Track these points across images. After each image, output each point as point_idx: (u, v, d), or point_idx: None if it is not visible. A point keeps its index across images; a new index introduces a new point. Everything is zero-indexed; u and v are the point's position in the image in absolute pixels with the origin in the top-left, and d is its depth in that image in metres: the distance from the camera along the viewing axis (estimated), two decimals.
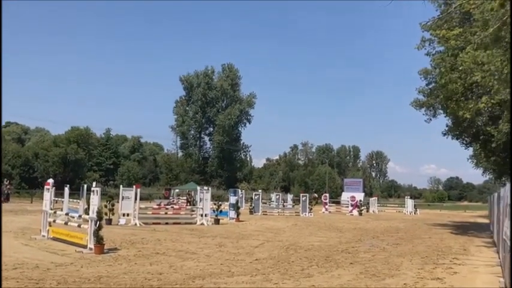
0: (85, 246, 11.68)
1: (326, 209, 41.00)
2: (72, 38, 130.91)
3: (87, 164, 64.92)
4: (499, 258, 10.73)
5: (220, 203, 24.21)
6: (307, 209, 33.91)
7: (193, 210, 23.43)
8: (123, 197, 20.82)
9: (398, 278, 9.38)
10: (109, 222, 19.10)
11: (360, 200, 42.03)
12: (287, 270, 9.85)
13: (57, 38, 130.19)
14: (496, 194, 15.77)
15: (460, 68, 17.00)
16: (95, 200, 12.32)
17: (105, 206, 19.31)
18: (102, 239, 11.57)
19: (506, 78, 13.21)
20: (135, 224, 19.69)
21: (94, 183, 13.56)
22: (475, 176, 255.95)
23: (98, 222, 11.64)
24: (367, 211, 42.92)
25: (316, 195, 54.07)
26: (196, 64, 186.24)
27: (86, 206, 19.27)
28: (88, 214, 12.29)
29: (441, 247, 15.44)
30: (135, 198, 20.56)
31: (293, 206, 39.20)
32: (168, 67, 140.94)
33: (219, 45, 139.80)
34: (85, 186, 23.24)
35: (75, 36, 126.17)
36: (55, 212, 14.70)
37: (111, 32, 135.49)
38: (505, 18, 10.96)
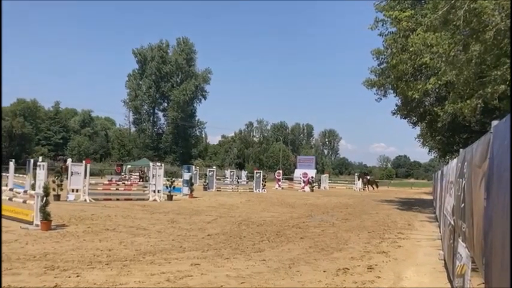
0: (31, 223, 11.31)
1: (279, 185, 41.67)
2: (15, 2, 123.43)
3: (34, 138, 62.60)
4: (440, 232, 11.30)
5: (173, 179, 24.01)
6: (261, 185, 34.34)
7: (145, 186, 23.16)
8: (72, 172, 20.20)
9: (346, 251, 9.71)
10: (57, 198, 18.60)
11: (312, 177, 42.94)
12: (239, 245, 9.96)
13: None
14: (439, 172, 16.44)
15: (411, 49, 17.37)
16: (41, 175, 11.92)
17: (53, 182, 18.76)
18: (49, 214, 11.25)
19: (453, 60, 13.68)
20: (85, 200, 19.25)
21: (40, 158, 13.11)
22: (421, 154, 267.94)
23: (45, 198, 11.30)
24: (319, 187, 43.96)
25: (368, 177, 49.96)
26: (150, 37, 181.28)
27: (32, 182, 18.66)
28: (34, 189, 11.88)
29: (387, 222, 16.08)
30: (85, 174, 20.04)
31: (247, 182, 39.53)
32: (121, 39, 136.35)
33: (174, 19, 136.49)
34: (31, 161, 22.43)
35: None
36: None
37: None
38: (453, 1, 11.28)
